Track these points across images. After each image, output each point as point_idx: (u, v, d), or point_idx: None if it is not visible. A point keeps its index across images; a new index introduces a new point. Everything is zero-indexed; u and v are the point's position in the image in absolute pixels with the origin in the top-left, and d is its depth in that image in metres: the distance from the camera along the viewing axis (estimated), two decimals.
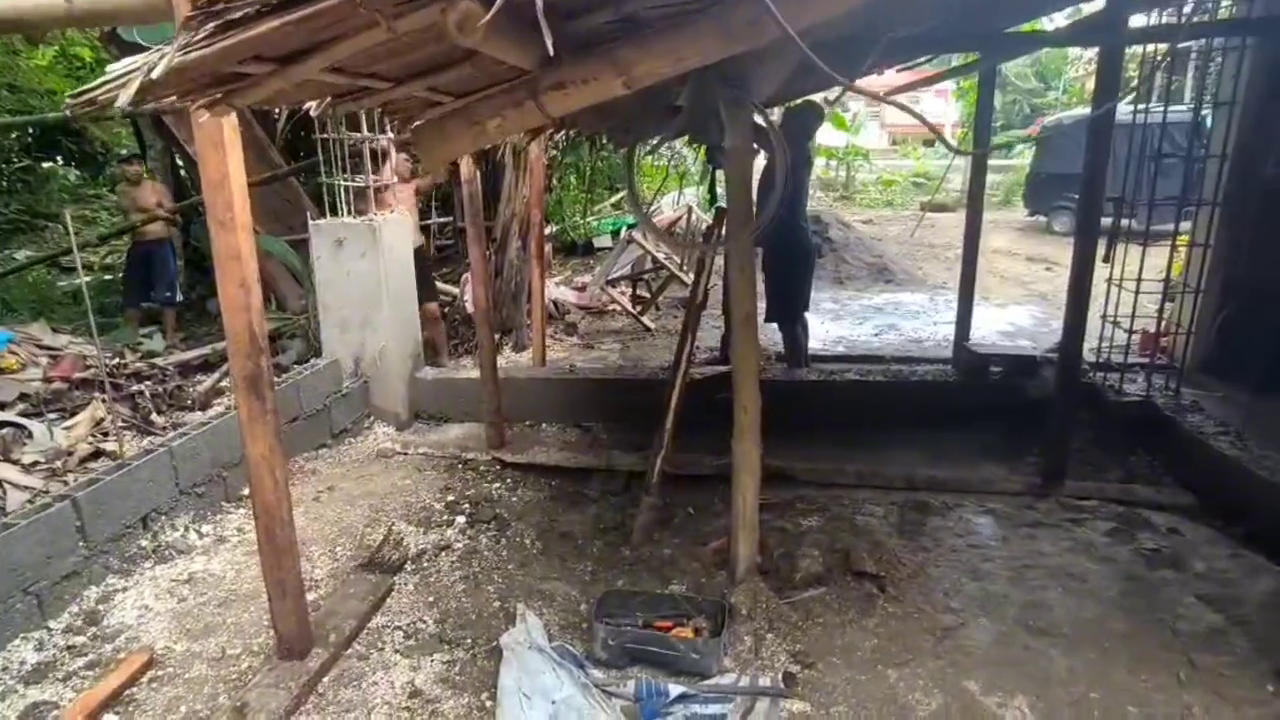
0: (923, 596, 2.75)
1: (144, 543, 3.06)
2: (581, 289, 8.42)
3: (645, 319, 7.69)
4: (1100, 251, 4.58)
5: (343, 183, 4.82)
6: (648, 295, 8.25)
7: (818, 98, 5.57)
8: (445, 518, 3.46)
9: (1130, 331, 4.61)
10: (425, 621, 2.67)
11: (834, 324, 7.72)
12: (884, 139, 33.47)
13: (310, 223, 4.86)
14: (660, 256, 7.85)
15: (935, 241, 12.52)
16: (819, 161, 20.90)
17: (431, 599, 2.81)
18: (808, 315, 5.54)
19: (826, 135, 21.11)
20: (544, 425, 5.09)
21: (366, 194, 4.86)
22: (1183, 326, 4.80)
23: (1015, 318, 7.96)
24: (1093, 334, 4.74)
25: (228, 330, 2.07)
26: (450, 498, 3.68)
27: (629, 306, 7.72)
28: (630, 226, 9.36)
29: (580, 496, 3.75)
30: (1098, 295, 4.48)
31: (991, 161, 22.73)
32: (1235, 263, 4.83)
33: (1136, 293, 4.50)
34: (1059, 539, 3.22)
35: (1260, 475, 3.48)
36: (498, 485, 3.88)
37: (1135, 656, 2.46)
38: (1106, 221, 4.27)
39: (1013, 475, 4.14)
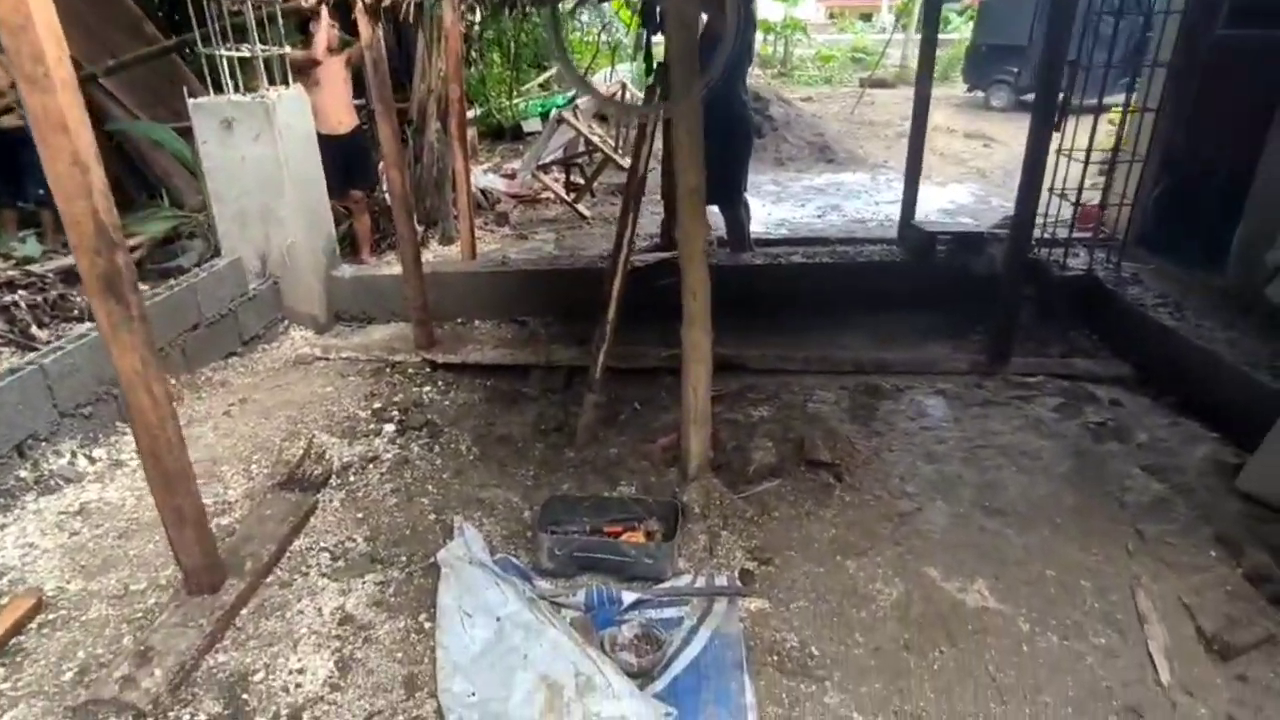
0: (879, 483, 2.68)
1: (22, 473, 2.70)
2: (511, 176, 7.88)
3: (581, 206, 7.27)
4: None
5: (224, 53, 4.16)
6: (583, 181, 7.77)
7: None
8: (372, 427, 3.19)
9: (1077, 205, 4.52)
10: (354, 540, 2.46)
11: (775, 206, 7.48)
12: (820, 12, 32.16)
13: (190, 102, 4.22)
14: (594, 139, 7.34)
15: (875, 119, 12.19)
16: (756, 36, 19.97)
17: (360, 515, 2.59)
18: (748, 196, 5.25)
19: (764, 7, 20.01)
20: (477, 322, 4.78)
21: (254, 65, 4.21)
22: (1126, 199, 4.73)
23: (955, 196, 7.86)
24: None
25: (65, 221, 1.68)
26: (377, 405, 3.40)
27: (563, 193, 7.27)
28: (560, 107, 8.71)
29: (519, 396, 3.52)
30: (1006, 185, 4.35)
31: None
32: (1176, 131, 4.74)
33: (1086, 163, 4.37)
34: (1010, 417, 3.19)
35: (1197, 344, 3.50)
36: (428, 389, 3.60)
37: (1085, 531, 2.46)
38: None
39: (959, 354, 4.10)
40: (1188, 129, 4.61)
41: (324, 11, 4.96)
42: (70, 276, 4.94)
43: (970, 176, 8.90)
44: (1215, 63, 4.42)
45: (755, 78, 17.57)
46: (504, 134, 10.28)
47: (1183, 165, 4.68)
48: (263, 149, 4.22)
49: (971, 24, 14.20)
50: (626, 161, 7.70)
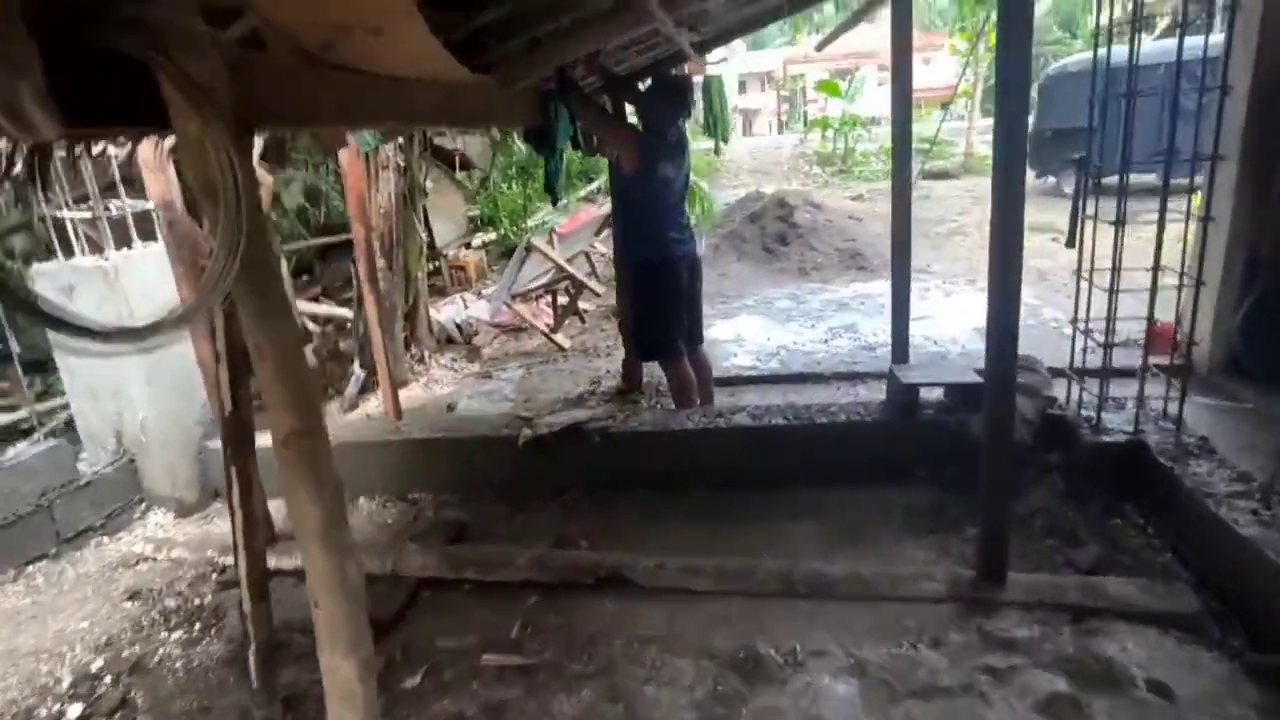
0: None
1: None
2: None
3: (561, 336, 6.57)
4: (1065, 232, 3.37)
5: (68, 215, 3.76)
6: (575, 309, 7.09)
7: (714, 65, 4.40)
8: (55, 709, 2.38)
9: (1108, 345, 3.32)
10: None
11: (781, 328, 6.48)
12: None
13: (32, 269, 3.84)
14: (564, 264, 6.69)
15: (927, 215, 11.08)
16: (814, 135, 19.40)
17: None
18: (709, 339, 4.31)
19: (833, 106, 19.49)
20: (361, 501, 4.04)
21: (99, 225, 3.78)
22: (1186, 331, 3.52)
23: None
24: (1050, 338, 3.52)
25: None
26: (100, 661, 2.59)
27: (536, 323, 6.59)
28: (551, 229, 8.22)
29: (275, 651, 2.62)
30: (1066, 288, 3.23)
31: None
32: (1260, 235, 3.54)
33: (1113, 291, 3.22)
34: None
35: None
36: (179, 634, 2.77)
37: None
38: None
39: (939, 560, 2.95)
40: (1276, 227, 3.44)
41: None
42: None
43: (1027, 279, 7.59)
44: None
45: (812, 177, 16.92)
46: None
47: (1273, 273, 3.49)
48: (107, 318, 3.74)
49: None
50: (597, 286, 7.01)
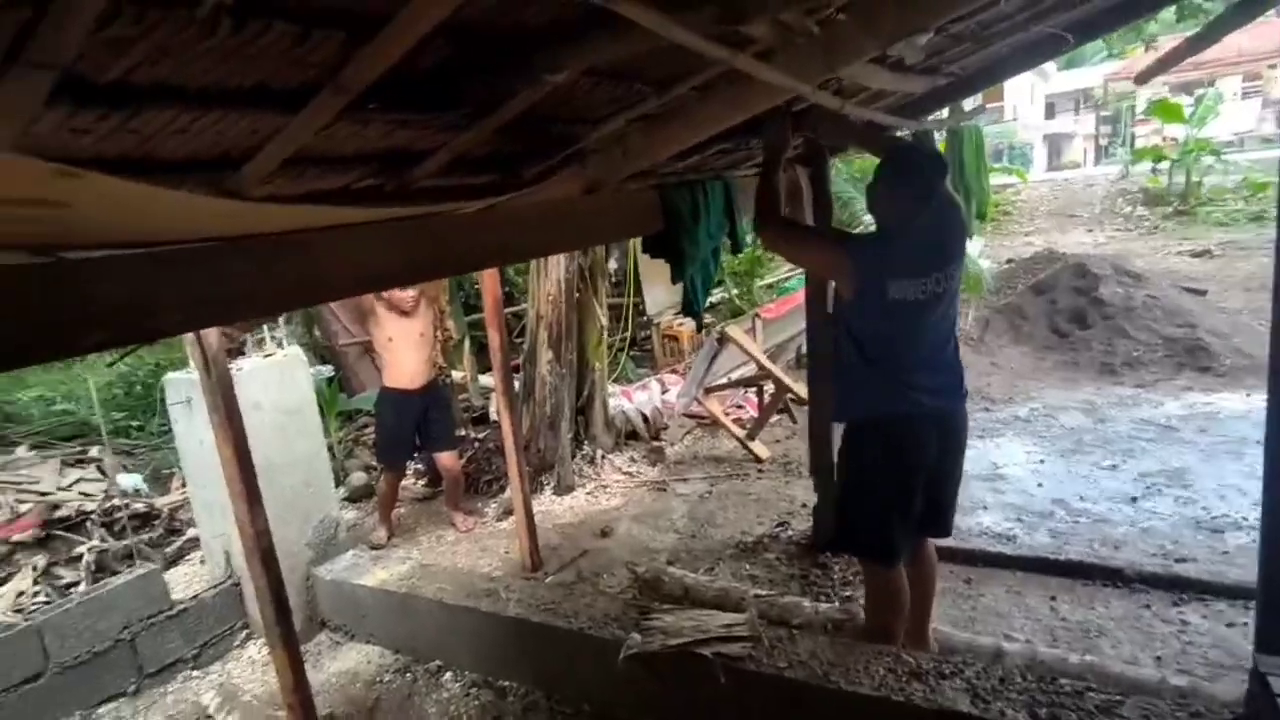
0: None
1: None
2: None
3: (759, 444, 5.40)
4: None
5: None
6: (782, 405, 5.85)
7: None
8: None
9: None
10: None
11: (1063, 465, 4.59)
12: (1269, 121, 24.72)
13: (167, 379, 3.73)
14: (765, 361, 5.48)
15: None
16: (1141, 167, 15.60)
17: None
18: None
19: (1171, 130, 15.63)
20: (449, 675, 3.33)
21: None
22: None
23: None
24: None
25: None
26: None
27: (729, 425, 5.49)
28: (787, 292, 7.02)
29: None
30: None
31: None
32: None
33: None
34: None
35: None
36: None
37: None
38: None
39: None
40: None
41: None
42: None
43: None
44: None
45: (1129, 220, 13.59)
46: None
47: None
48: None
49: None
50: (800, 388, 5.60)
